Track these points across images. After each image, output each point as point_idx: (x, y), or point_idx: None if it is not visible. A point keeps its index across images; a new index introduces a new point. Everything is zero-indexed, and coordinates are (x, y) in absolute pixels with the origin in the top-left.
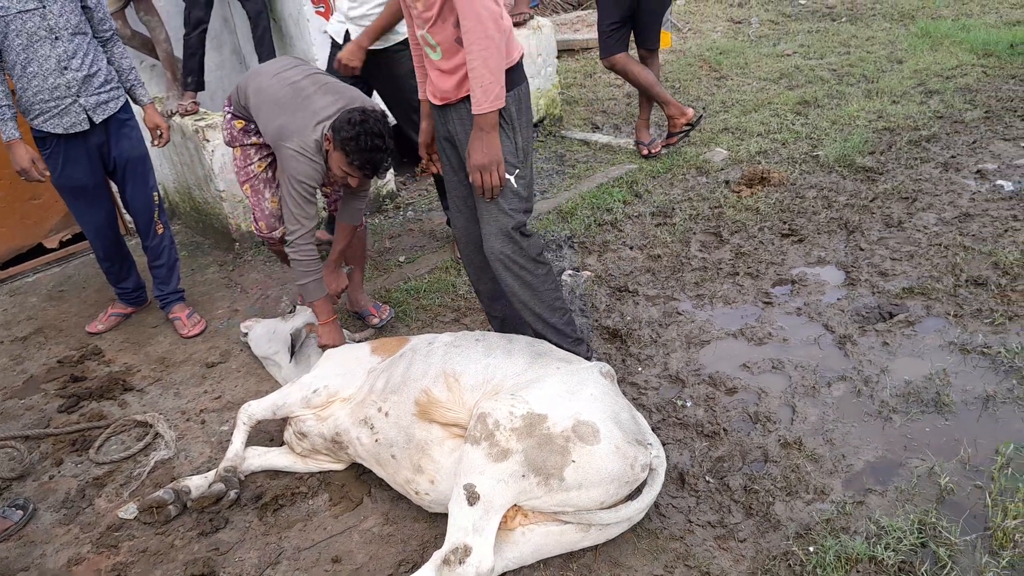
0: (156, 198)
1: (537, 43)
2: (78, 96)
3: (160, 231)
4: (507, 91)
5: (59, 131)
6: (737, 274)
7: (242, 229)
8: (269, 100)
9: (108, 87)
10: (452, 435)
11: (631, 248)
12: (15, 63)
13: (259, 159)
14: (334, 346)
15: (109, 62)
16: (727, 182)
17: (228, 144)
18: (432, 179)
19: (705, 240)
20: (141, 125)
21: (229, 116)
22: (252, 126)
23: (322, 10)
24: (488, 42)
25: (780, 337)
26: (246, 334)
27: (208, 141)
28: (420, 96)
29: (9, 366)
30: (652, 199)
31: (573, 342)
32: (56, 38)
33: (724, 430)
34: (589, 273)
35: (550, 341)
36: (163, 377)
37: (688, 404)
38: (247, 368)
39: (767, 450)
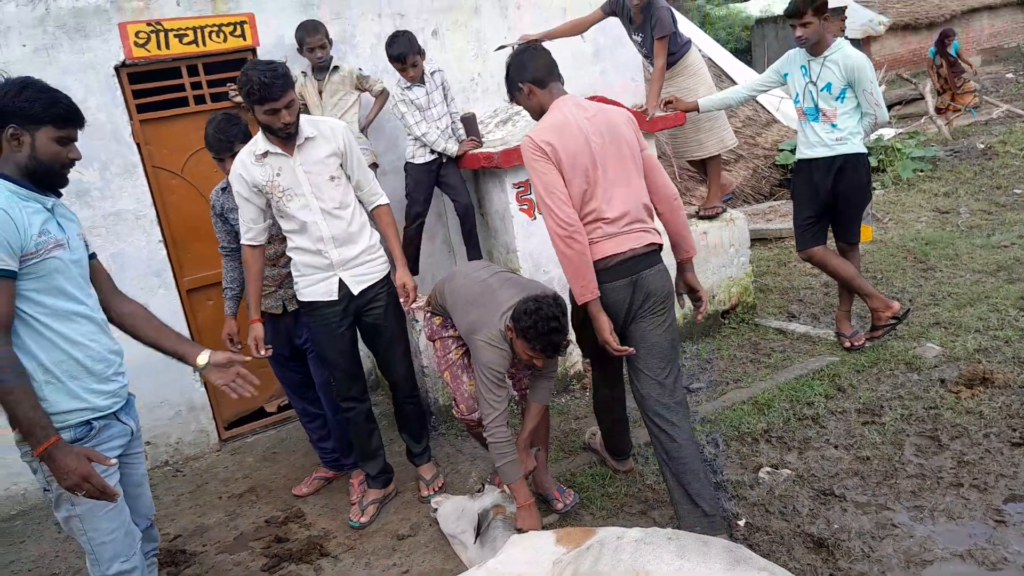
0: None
1: (730, 235)
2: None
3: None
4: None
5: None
6: (961, 485)
7: (439, 403)
8: (462, 299)
9: None
10: None
11: (836, 447)
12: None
13: (455, 347)
14: (531, 530)
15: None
16: (942, 381)
17: (429, 339)
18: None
19: (920, 444)
20: None
21: (429, 314)
22: (449, 321)
23: (526, 207)
24: (561, 257)
25: (1019, 563)
26: (436, 510)
27: (417, 321)
28: None
29: (224, 521)
30: (857, 395)
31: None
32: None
33: None
34: (789, 472)
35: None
36: (356, 545)
37: None
38: (435, 544)
39: None
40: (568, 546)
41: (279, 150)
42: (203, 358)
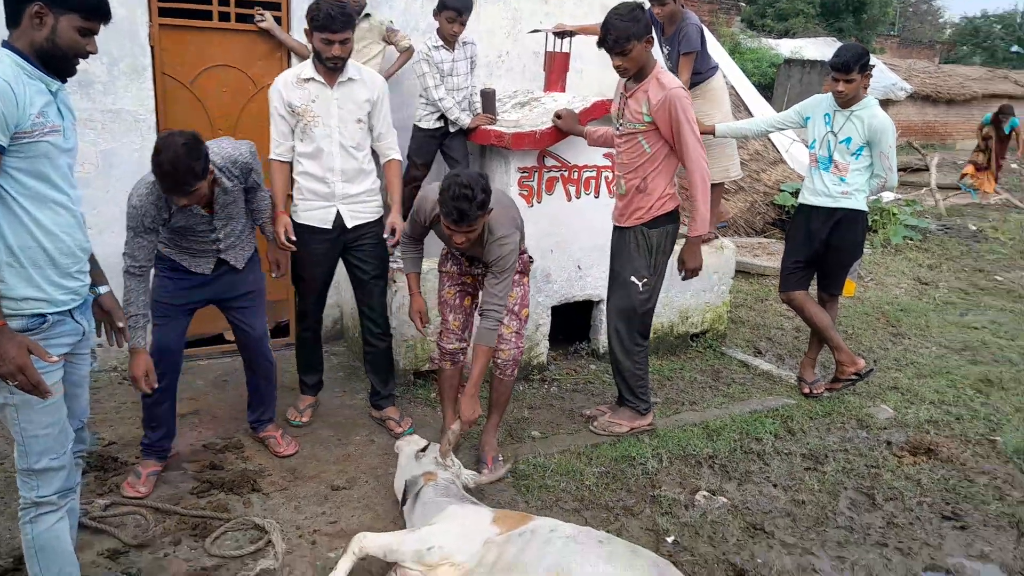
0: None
1: (716, 261)
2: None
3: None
4: (656, 228)
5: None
6: (886, 545)
7: (400, 365)
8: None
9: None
10: None
11: (775, 486)
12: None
13: (449, 285)
14: (415, 311)
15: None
16: (889, 443)
17: (438, 269)
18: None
19: (856, 499)
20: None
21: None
22: (450, 252)
23: (527, 193)
24: (705, 194)
25: None
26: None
27: (395, 282)
28: None
29: None
30: (806, 440)
31: (641, 401)
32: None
33: None
34: (726, 500)
35: (626, 393)
36: (289, 488)
37: None
38: (368, 500)
39: None
40: (503, 528)
41: (322, 80)
42: (102, 289)
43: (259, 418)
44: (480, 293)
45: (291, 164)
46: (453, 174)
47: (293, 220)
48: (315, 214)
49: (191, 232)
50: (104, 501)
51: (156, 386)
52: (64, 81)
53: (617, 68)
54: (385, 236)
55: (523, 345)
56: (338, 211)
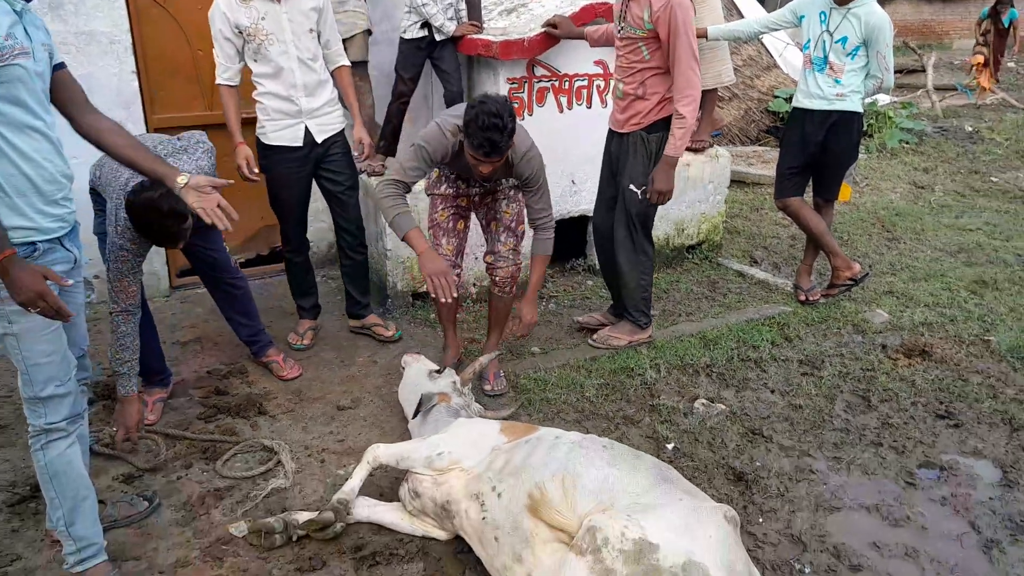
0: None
1: (711, 171)
2: None
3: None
4: (656, 133)
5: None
6: (881, 445)
7: (398, 288)
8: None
9: None
10: (556, 538)
11: (772, 392)
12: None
13: (443, 207)
14: (437, 271)
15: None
16: (884, 346)
17: (427, 192)
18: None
19: (852, 401)
20: None
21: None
22: (444, 175)
23: (516, 105)
24: (690, 112)
25: (919, 524)
26: (403, 368)
27: (365, 173)
28: None
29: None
30: (802, 347)
31: (642, 315)
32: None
33: None
34: (724, 407)
35: (628, 307)
36: (296, 409)
37: (807, 571)
38: (374, 418)
39: None
40: (510, 437)
41: None
42: (183, 179)
43: (254, 339)
44: (474, 215)
45: (237, 89)
46: (478, 102)
47: (263, 143)
48: (284, 133)
49: None
50: (113, 429)
51: (138, 438)
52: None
53: None
54: (355, 153)
55: (521, 262)
56: (306, 127)
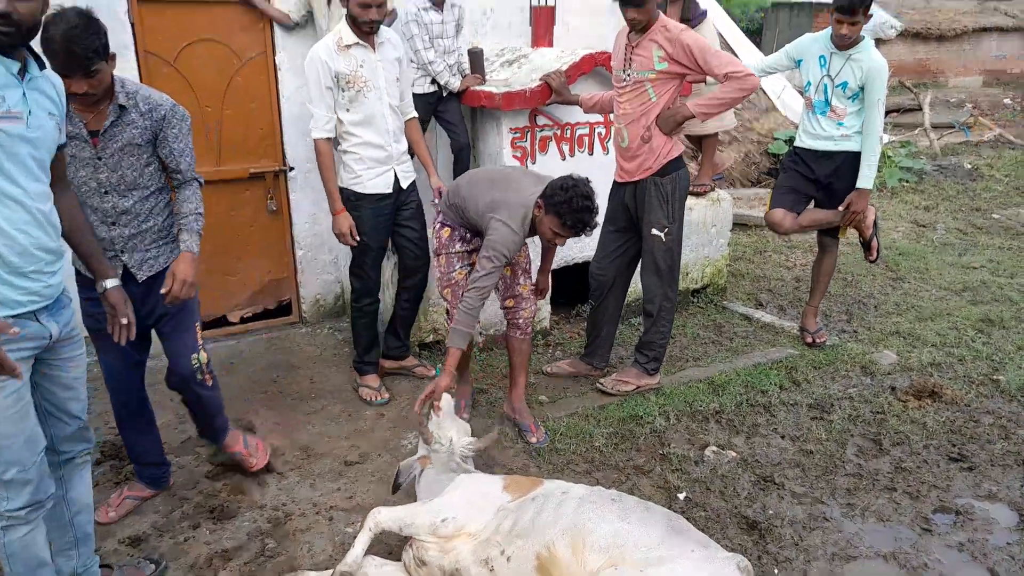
0: (196, 360)
1: (714, 215)
2: (120, 253)
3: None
4: (668, 175)
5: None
6: (895, 490)
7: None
8: (483, 180)
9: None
10: None
11: (782, 437)
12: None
13: (460, 267)
14: (442, 389)
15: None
16: (893, 388)
17: (435, 253)
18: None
19: (863, 446)
20: None
21: (437, 226)
22: (457, 234)
23: (519, 154)
24: (741, 72)
25: (937, 572)
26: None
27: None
28: None
29: (173, 423)
30: (811, 390)
31: (655, 361)
32: (105, 192)
33: None
34: (735, 455)
35: (643, 352)
36: (303, 465)
37: None
38: (382, 473)
39: None
40: (514, 494)
41: (365, 44)
42: (110, 283)
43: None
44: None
45: (333, 140)
46: (571, 186)
47: (358, 192)
48: (379, 181)
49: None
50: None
51: None
52: (43, 67)
53: (631, 20)
54: (435, 201)
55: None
56: (395, 173)
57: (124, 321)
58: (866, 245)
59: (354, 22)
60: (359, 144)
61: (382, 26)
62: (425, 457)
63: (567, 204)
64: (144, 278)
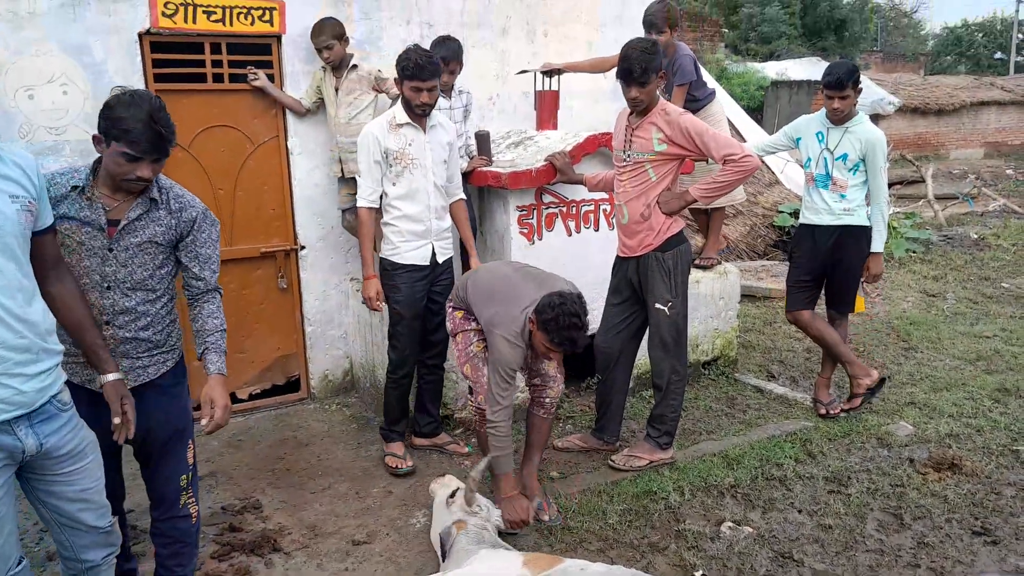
0: (185, 480)
1: (721, 287)
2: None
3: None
4: (670, 250)
5: (75, 380)
6: (919, 566)
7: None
8: (484, 293)
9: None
10: None
11: (800, 511)
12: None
13: (477, 340)
14: (518, 521)
15: (193, 320)
16: (911, 460)
17: (452, 333)
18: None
19: (883, 520)
20: None
21: (451, 309)
22: (470, 315)
23: (526, 231)
24: (739, 154)
25: None
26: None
27: None
28: None
29: None
30: (827, 463)
31: (667, 436)
32: (108, 287)
33: None
34: (751, 530)
35: (656, 426)
36: (311, 545)
37: None
38: (390, 553)
39: None
40: (533, 570)
41: (416, 124)
42: (112, 376)
43: None
44: None
45: (377, 210)
46: (557, 303)
47: (395, 262)
48: (416, 254)
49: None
50: None
51: None
52: None
53: (632, 100)
54: None
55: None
56: (432, 247)
57: (117, 421)
58: (853, 394)
59: (407, 105)
60: (399, 217)
61: (435, 111)
62: (461, 522)
63: (554, 322)
64: (141, 382)
